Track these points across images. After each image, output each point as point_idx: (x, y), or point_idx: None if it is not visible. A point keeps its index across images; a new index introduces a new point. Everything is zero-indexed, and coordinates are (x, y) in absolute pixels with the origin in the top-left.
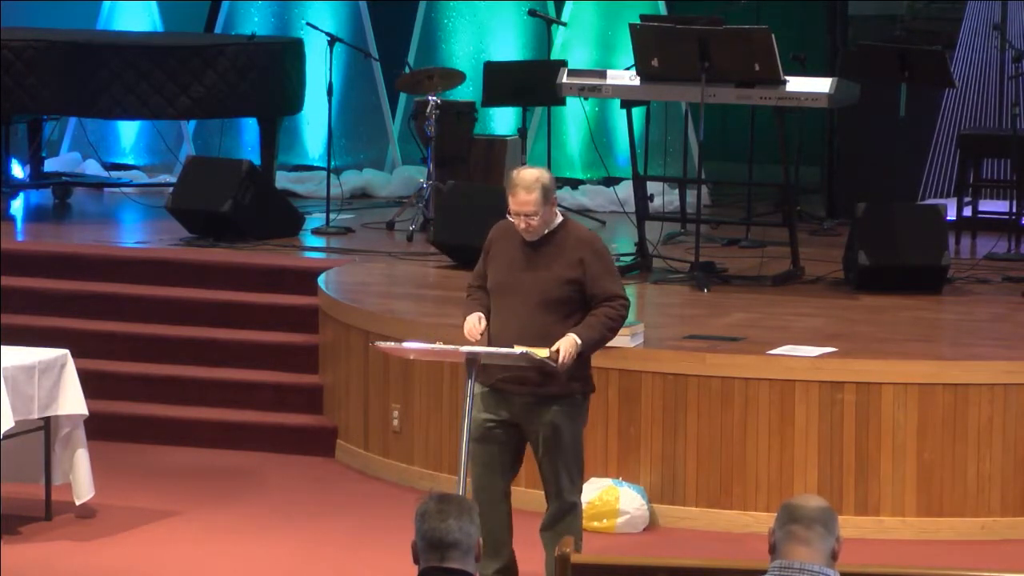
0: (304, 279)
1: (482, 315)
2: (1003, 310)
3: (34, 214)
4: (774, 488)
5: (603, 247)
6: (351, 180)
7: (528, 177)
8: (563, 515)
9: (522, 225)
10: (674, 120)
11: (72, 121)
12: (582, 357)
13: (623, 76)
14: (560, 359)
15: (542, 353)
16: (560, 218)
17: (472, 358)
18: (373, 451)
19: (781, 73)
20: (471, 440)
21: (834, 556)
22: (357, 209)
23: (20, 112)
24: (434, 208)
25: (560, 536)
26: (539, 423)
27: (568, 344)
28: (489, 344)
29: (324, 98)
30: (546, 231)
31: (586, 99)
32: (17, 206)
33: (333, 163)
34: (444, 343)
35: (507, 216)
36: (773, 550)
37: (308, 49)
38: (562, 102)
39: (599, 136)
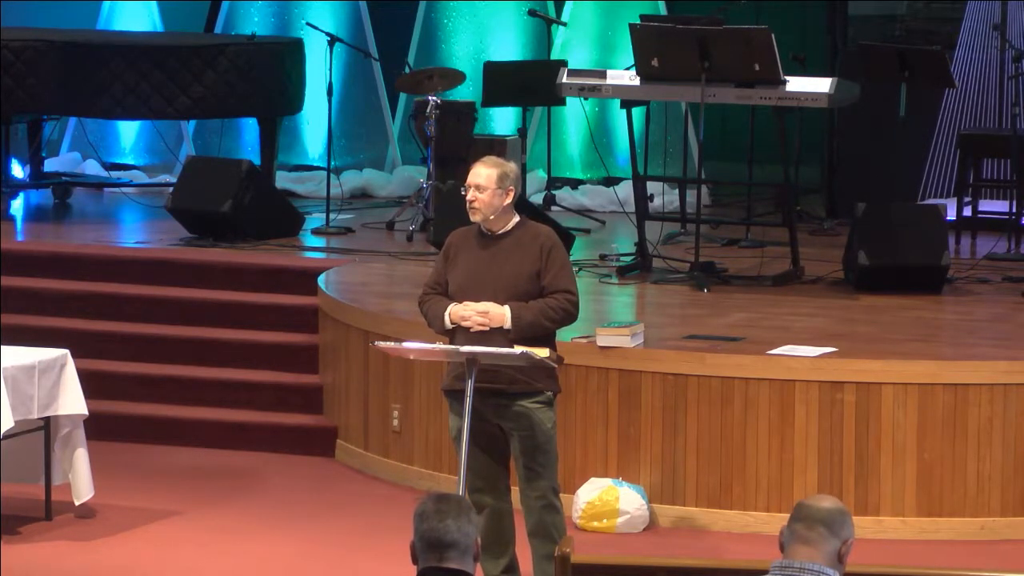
0: (304, 279)
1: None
2: (1003, 310)
3: (34, 214)
4: (774, 488)
5: (561, 244)
6: (351, 180)
7: (491, 159)
8: (548, 518)
9: (469, 197)
10: (674, 120)
11: (72, 121)
12: (510, 332)
13: (623, 76)
14: (480, 309)
15: (542, 353)
16: (517, 218)
17: (472, 358)
18: (373, 451)
19: (781, 73)
20: (461, 446)
21: (840, 558)
22: (357, 209)
23: (20, 112)
24: (434, 208)
25: (550, 542)
26: (515, 422)
27: (494, 305)
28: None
29: (324, 98)
30: (501, 231)
31: (586, 99)
32: (17, 206)
33: (333, 163)
34: (444, 343)
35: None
36: (783, 548)
37: (308, 49)
38: (562, 102)
39: (599, 136)
